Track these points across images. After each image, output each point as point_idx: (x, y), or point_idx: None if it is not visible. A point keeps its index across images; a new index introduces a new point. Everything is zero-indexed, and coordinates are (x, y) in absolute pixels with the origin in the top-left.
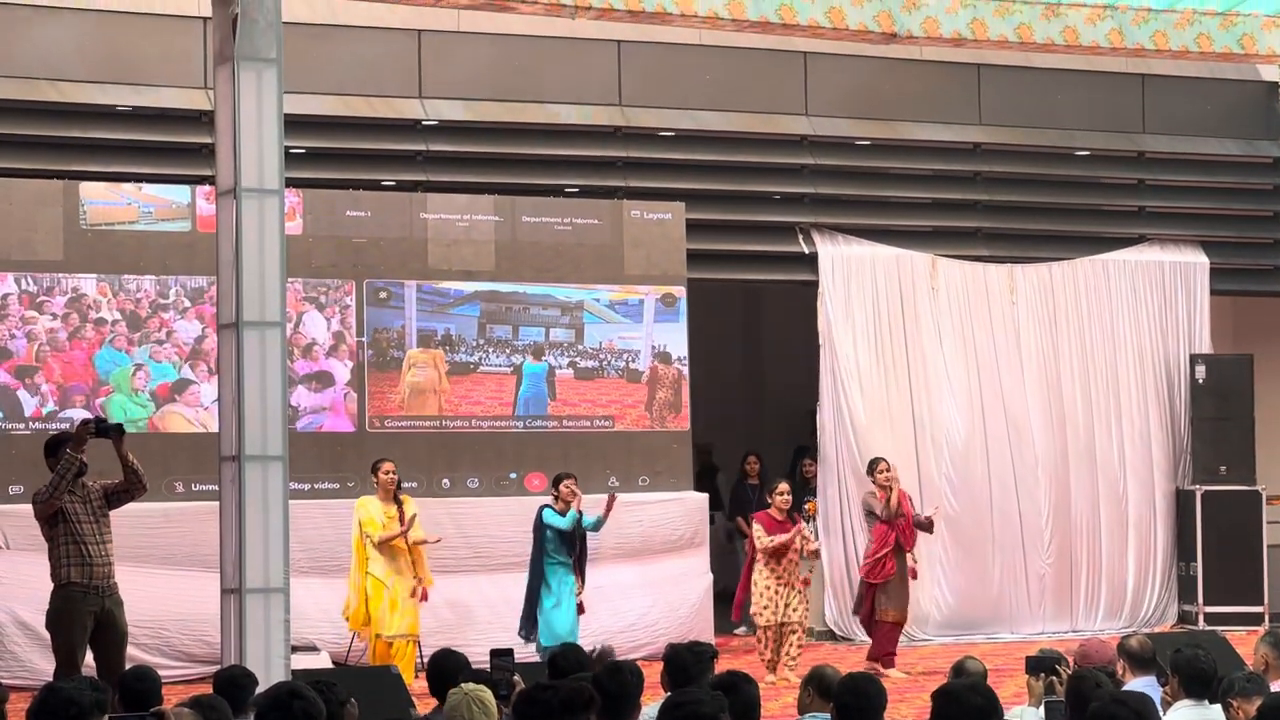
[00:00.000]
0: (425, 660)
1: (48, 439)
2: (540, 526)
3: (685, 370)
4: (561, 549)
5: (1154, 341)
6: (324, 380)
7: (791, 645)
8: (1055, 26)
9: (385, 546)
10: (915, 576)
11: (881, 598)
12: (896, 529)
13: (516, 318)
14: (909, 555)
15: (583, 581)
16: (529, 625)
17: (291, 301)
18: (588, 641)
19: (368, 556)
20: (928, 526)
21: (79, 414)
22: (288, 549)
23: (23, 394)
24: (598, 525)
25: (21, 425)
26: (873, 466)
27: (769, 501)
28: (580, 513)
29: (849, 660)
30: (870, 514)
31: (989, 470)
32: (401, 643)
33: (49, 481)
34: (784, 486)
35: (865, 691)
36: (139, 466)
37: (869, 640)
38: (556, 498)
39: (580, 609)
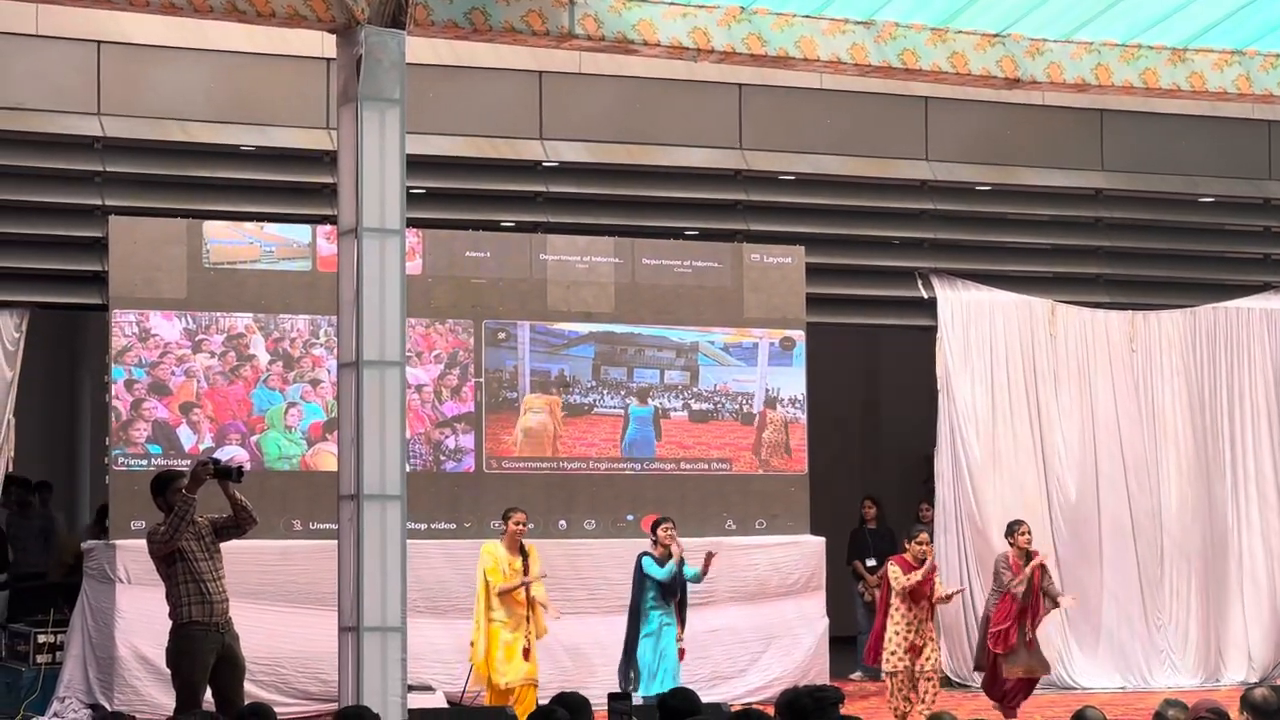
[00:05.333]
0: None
1: (154, 476)
2: (640, 575)
3: (803, 413)
4: (661, 596)
5: (1276, 390)
6: (471, 421)
7: (927, 694)
8: (1181, 72)
9: (505, 597)
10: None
11: (1004, 660)
12: (1023, 603)
13: (631, 359)
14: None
15: (683, 627)
16: (627, 673)
17: (445, 342)
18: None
19: (490, 605)
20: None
21: (234, 450)
22: (405, 588)
23: (183, 430)
24: (698, 578)
25: (181, 461)
26: (1013, 529)
27: (904, 546)
28: (680, 563)
29: (966, 708)
30: (997, 578)
31: (1103, 519)
32: (523, 689)
33: (166, 521)
34: (924, 536)
35: None
36: (248, 503)
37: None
38: (655, 542)
39: (680, 654)
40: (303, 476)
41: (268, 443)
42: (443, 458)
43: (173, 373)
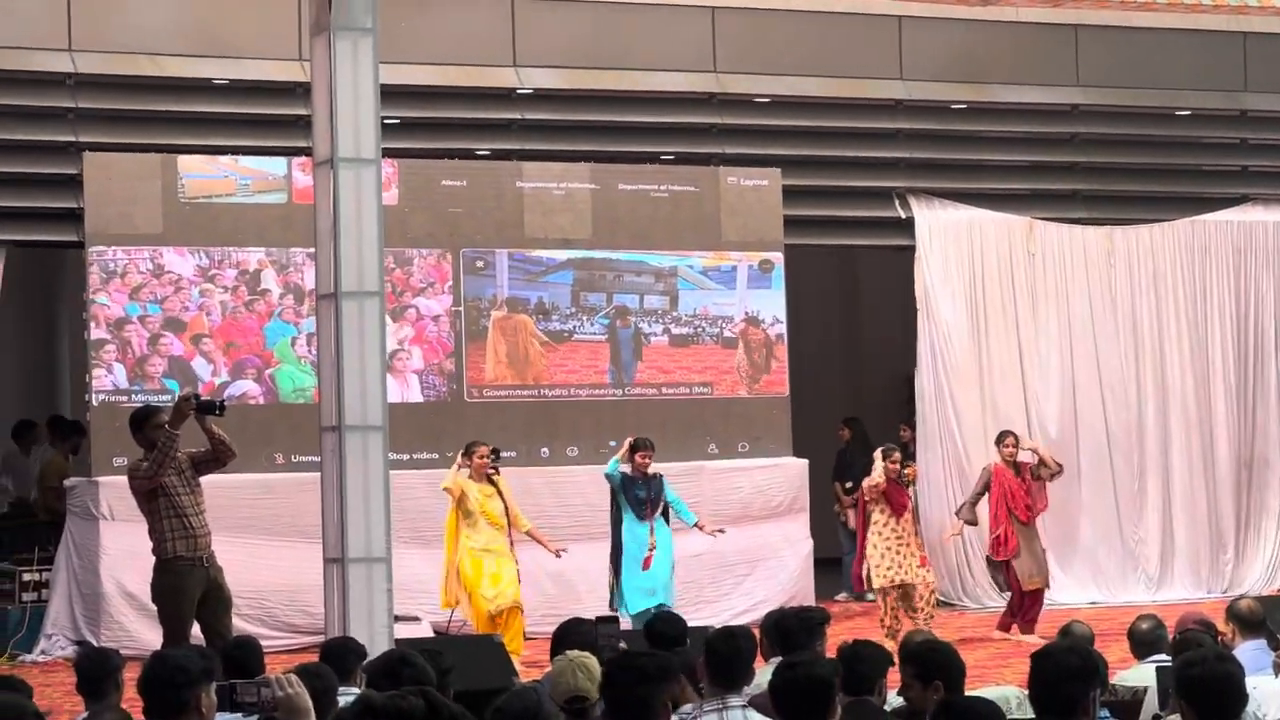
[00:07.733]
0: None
1: (133, 413)
2: (612, 490)
3: (784, 335)
4: (633, 509)
5: (1255, 303)
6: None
7: (925, 604)
8: None
9: (481, 522)
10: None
11: (1020, 568)
12: (1010, 503)
13: (610, 285)
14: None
15: (654, 535)
16: (616, 594)
17: (442, 274)
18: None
19: (461, 533)
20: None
21: (247, 385)
22: (389, 518)
23: (198, 362)
24: (695, 523)
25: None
26: (1000, 439)
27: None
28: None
29: (950, 626)
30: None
31: (1081, 436)
32: (509, 613)
33: (149, 457)
34: (897, 455)
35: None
36: (225, 436)
37: (980, 606)
38: (630, 461)
39: (647, 564)
40: (281, 409)
41: (282, 376)
42: (455, 387)
43: (185, 307)
